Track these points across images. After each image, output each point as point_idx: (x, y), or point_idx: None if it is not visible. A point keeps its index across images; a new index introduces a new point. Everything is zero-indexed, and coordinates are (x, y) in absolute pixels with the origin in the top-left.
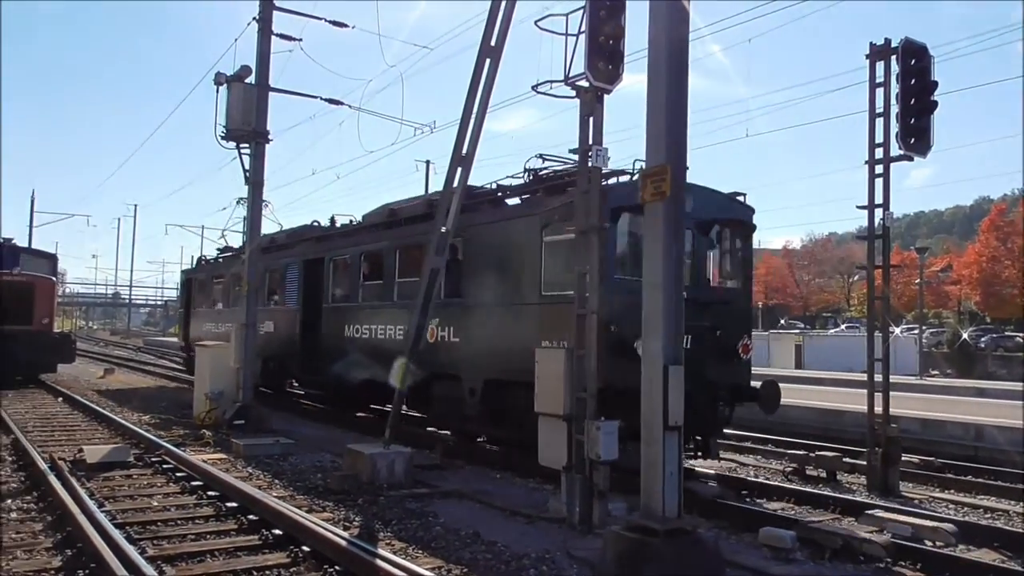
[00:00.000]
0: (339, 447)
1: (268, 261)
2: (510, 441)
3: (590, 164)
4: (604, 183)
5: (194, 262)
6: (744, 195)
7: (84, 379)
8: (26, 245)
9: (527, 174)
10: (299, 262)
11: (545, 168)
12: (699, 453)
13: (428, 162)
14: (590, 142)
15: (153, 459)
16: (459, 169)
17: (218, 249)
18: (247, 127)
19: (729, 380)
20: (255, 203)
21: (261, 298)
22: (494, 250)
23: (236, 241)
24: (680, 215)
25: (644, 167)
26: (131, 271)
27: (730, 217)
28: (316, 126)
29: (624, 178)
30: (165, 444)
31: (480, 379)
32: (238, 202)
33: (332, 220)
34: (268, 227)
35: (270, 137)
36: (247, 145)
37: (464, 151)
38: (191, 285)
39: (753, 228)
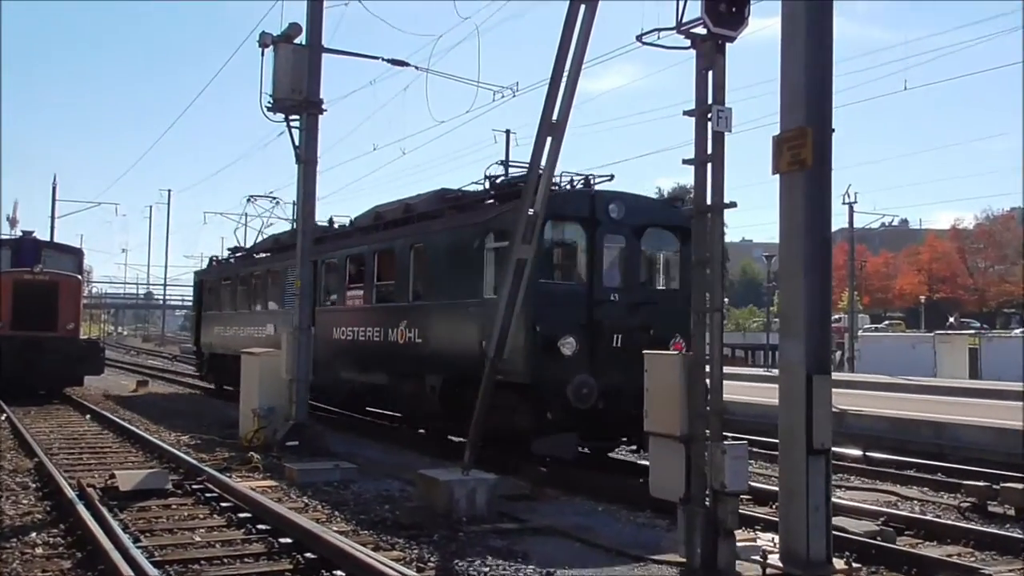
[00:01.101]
0: (409, 473)
1: (271, 263)
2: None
3: (711, 128)
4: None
5: (208, 262)
6: (682, 201)
7: (115, 393)
8: (48, 239)
9: (486, 181)
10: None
11: (499, 176)
12: (634, 447)
13: (509, 132)
14: (709, 101)
15: (194, 486)
16: (549, 139)
17: (229, 249)
18: (297, 96)
19: None
20: (307, 184)
21: (262, 301)
22: (450, 255)
23: (245, 240)
24: (826, 185)
25: (778, 131)
26: (165, 267)
27: (665, 222)
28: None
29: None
30: (208, 469)
31: (440, 377)
32: (248, 200)
33: (330, 221)
34: (282, 226)
35: (324, 107)
36: (297, 117)
37: (555, 116)
38: (203, 287)
39: (689, 232)
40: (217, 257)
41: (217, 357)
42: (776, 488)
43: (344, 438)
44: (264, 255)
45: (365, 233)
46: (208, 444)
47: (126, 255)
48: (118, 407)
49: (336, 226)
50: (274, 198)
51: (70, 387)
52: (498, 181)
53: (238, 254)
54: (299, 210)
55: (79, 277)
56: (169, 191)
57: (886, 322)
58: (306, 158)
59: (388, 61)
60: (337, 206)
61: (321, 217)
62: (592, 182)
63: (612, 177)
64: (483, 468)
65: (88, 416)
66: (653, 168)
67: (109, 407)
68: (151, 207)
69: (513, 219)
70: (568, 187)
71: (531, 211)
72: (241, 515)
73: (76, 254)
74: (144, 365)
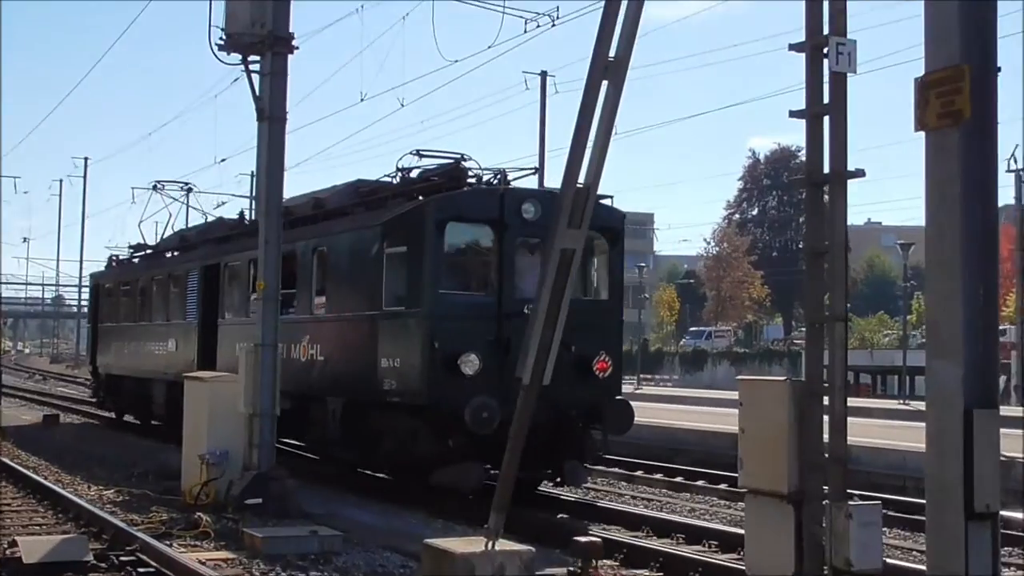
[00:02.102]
0: (411, 541)
1: (173, 266)
2: (370, 466)
3: (828, 67)
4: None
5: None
6: (611, 198)
7: (14, 431)
8: None
9: (398, 174)
10: (199, 268)
11: (417, 167)
12: (557, 479)
13: (544, 74)
14: (824, 31)
15: (123, 558)
16: (605, 84)
17: (131, 246)
18: (259, 30)
19: (582, 400)
20: (272, 148)
21: (162, 312)
22: (348, 261)
23: (150, 239)
24: (990, 146)
25: (923, 72)
26: (80, 263)
27: (592, 224)
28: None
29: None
30: (141, 535)
31: (340, 400)
32: (155, 188)
33: (241, 215)
34: (197, 219)
35: (295, 44)
36: (258, 58)
37: (612, 52)
38: (100, 293)
39: (620, 234)
40: (117, 256)
41: (115, 379)
42: (922, 567)
43: (319, 493)
44: (169, 255)
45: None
46: (141, 501)
47: (28, 246)
48: (19, 450)
49: (247, 221)
50: (186, 185)
51: None
52: (412, 174)
53: (140, 253)
54: (260, 182)
55: None
56: (85, 160)
57: None
58: (271, 113)
59: None
60: (312, 178)
61: (236, 205)
62: (506, 178)
63: (536, 171)
64: (514, 536)
65: None
66: (745, 123)
67: (7, 451)
68: (60, 182)
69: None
70: (476, 183)
71: (579, 184)
72: None
73: None
74: (53, 394)
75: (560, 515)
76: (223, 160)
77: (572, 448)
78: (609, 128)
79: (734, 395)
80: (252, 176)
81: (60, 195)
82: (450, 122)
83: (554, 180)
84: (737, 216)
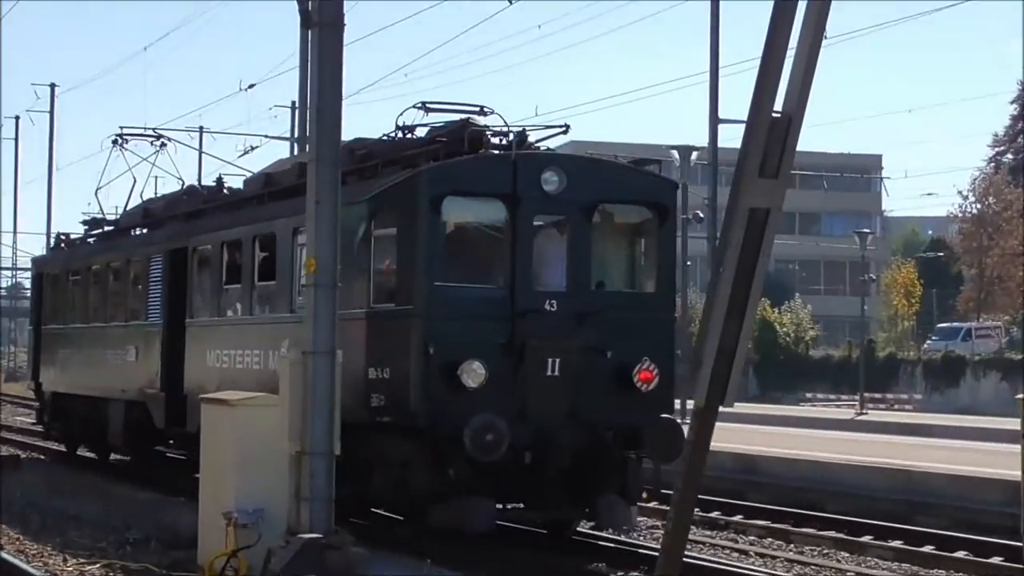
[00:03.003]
0: None
1: (132, 249)
2: (363, 504)
3: None
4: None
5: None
6: (658, 163)
7: None
8: None
9: (398, 132)
10: (163, 252)
11: (425, 125)
12: (592, 521)
13: None
14: None
15: None
16: None
17: (84, 222)
18: None
19: (620, 419)
20: (324, 64)
21: (120, 309)
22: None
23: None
24: None
25: None
26: (48, 234)
27: (631, 196)
28: None
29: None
30: None
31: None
32: (115, 142)
33: (219, 181)
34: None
35: None
36: None
37: None
38: (43, 285)
39: (670, 210)
40: (67, 235)
41: (64, 400)
42: None
43: (392, 561)
44: (133, 234)
45: (248, 206)
46: None
47: None
48: None
49: (226, 191)
50: (159, 137)
51: None
52: (419, 133)
53: (97, 231)
54: (311, 116)
55: None
56: (52, 89)
57: None
58: (322, 17)
59: None
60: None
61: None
62: (524, 138)
63: (566, 129)
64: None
65: None
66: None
67: None
68: (17, 120)
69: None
70: (483, 147)
71: (776, 113)
72: None
73: None
74: (11, 426)
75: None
76: (250, 87)
77: (610, 480)
78: (819, 28)
79: (1010, 423)
80: (294, 108)
81: (16, 139)
82: (574, 26)
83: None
84: (1009, 157)
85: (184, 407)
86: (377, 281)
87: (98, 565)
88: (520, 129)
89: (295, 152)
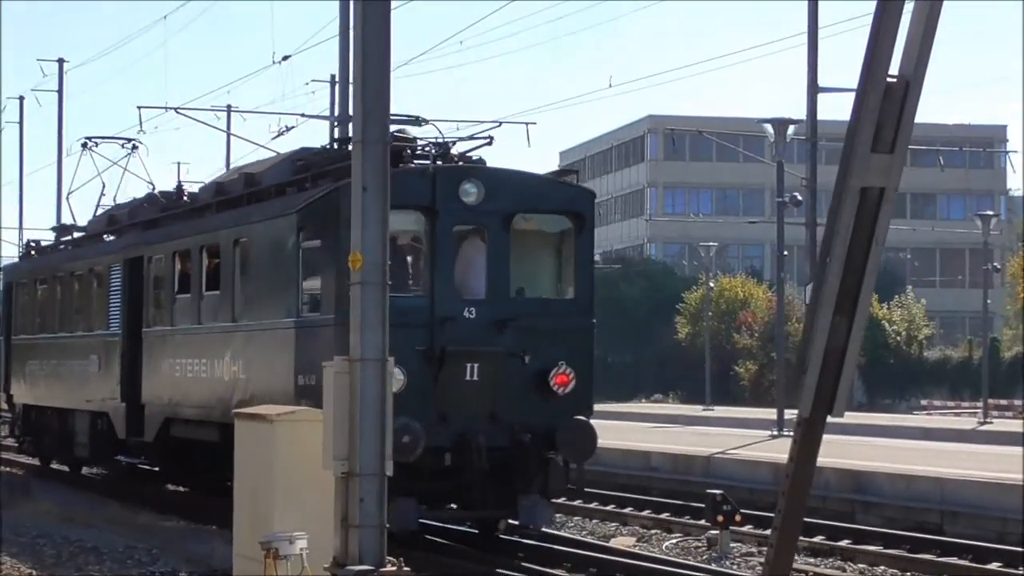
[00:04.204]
0: None
1: (96, 256)
2: None
3: None
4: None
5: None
6: (575, 173)
7: None
8: None
9: (335, 144)
10: (122, 261)
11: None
12: (509, 519)
13: None
14: None
15: None
16: None
17: (54, 228)
18: None
19: (538, 421)
20: (370, 38)
21: (83, 318)
22: (268, 257)
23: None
24: None
25: None
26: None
27: (550, 207)
28: None
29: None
30: None
31: None
32: (84, 146)
33: (178, 188)
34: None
35: None
36: None
37: None
38: (13, 294)
39: (587, 218)
40: (37, 242)
41: (35, 412)
42: None
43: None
44: (103, 241)
45: (198, 216)
46: None
47: None
48: None
49: (186, 197)
50: (129, 142)
51: None
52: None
53: (66, 238)
54: (355, 91)
55: None
56: (60, 64)
57: None
58: None
59: None
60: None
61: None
62: (448, 152)
63: (490, 141)
64: None
65: None
66: None
67: None
68: (21, 101)
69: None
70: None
71: (891, 78)
72: None
73: None
74: (14, 446)
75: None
76: (284, 59)
77: (531, 480)
78: None
79: None
80: (333, 82)
81: (20, 121)
82: None
83: None
84: None
85: (143, 417)
86: (304, 292)
87: None
88: (444, 141)
89: (335, 131)
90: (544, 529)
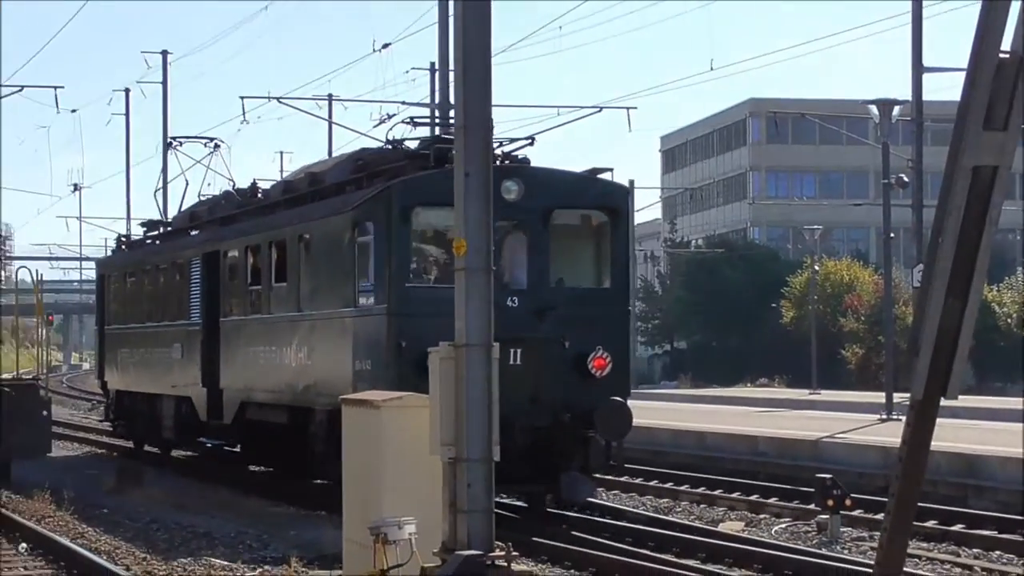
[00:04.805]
0: None
1: (177, 250)
2: None
3: None
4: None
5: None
6: (610, 171)
7: (77, 497)
8: None
9: (388, 145)
10: (200, 255)
11: (415, 139)
12: (549, 496)
13: None
14: None
15: None
16: None
17: (142, 224)
18: None
19: (577, 402)
20: (471, 21)
21: (168, 309)
22: (327, 251)
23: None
24: None
25: None
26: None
27: (587, 203)
28: None
29: None
30: None
31: (325, 410)
32: (169, 145)
33: (253, 186)
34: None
35: None
36: None
37: None
38: (106, 286)
39: (622, 213)
40: (127, 237)
41: (128, 398)
42: None
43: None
44: (189, 235)
45: (268, 213)
46: None
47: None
48: (83, 526)
49: (259, 195)
50: (212, 141)
51: None
52: (404, 143)
53: (153, 232)
54: (457, 78)
55: None
56: (164, 56)
57: None
58: None
59: None
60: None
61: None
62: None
63: (532, 141)
64: None
65: (24, 546)
66: None
67: (69, 527)
68: (127, 92)
69: (375, 206)
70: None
71: (1004, 54)
72: None
73: None
74: (107, 430)
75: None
76: (384, 47)
77: (572, 458)
78: None
79: None
80: (433, 70)
81: (127, 113)
82: None
83: None
84: None
85: (221, 401)
86: (359, 283)
87: None
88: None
89: (436, 118)
90: (651, 514)
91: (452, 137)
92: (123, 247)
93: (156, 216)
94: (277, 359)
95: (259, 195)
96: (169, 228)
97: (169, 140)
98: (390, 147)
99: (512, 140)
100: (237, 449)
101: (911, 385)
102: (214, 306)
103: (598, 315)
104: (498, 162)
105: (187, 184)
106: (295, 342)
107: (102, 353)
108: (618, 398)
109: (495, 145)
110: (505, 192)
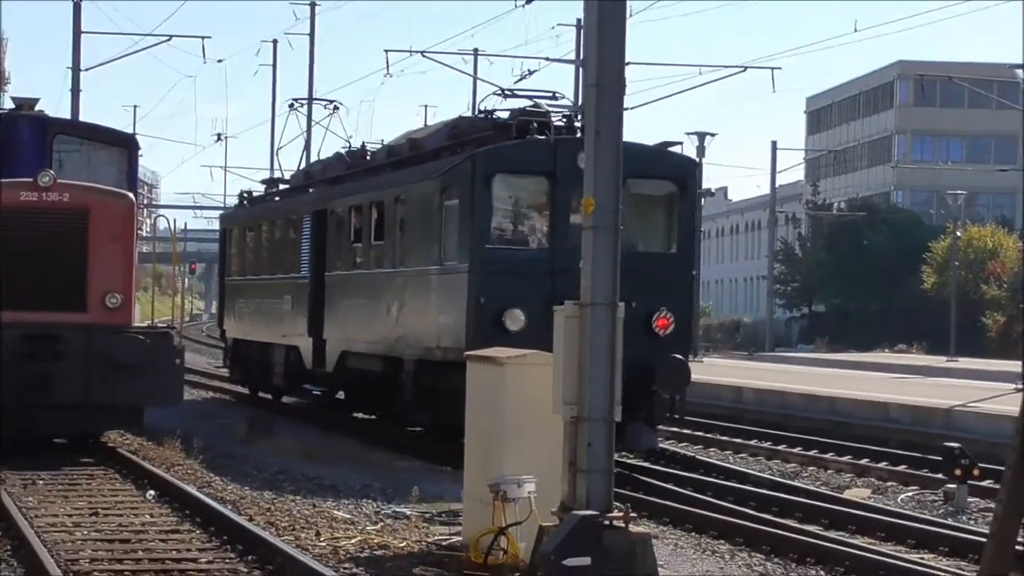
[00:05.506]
0: None
1: (292, 207)
2: (439, 429)
3: None
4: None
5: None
6: (679, 144)
7: (207, 446)
8: (68, 117)
9: (481, 115)
10: (311, 213)
11: (505, 109)
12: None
13: None
14: None
15: None
16: None
17: (263, 181)
18: None
19: (642, 358)
20: None
21: (282, 263)
22: (419, 213)
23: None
24: None
25: None
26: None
27: (657, 172)
28: None
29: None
30: None
31: (413, 361)
32: (291, 107)
33: (362, 147)
34: (332, 146)
35: None
36: None
37: None
38: (228, 239)
39: (689, 184)
40: (249, 192)
41: (244, 346)
42: None
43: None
44: (302, 194)
45: (372, 175)
46: (398, 560)
47: (225, 147)
48: (212, 475)
49: (368, 155)
50: (332, 103)
51: (115, 430)
52: (495, 114)
53: (273, 189)
54: (586, 36)
55: (130, 196)
56: (312, 6)
57: None
58: None
59: None
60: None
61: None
62: (573, 124)
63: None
64: None
65: (151, 493)
66: None
67: (193, 472)
68: (275, 43)
69: (460, 174)
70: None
71: None
72: None
73: (124, 147)
74: (225, 376)
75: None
76: (529, 2)
77: (637, 410)
78: None
79: None
80: (579, 26)
81: (274, 64)
82: None
83: None
84: None
85: (324, 350)
86: (445, 243)
87: (353, 540)
88: (570, 114)
89: (580, 76)
90: (776, 479)
91: (536, 110)
92: (245, 203)
93: (291, 169)
94: (374, 312)
95: (367, 157)
96: (286, 186)
97: (291, 101)
98: (482, 116)
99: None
100: (341, 396)
101: None
102: (321, 261)
103: (663, 278)
104: (577, 134)
105: (306, 144)
106: (389, 297)
107: (222, 303)
108: (678, 355)
109: (575, 117)
110: (582, 162)
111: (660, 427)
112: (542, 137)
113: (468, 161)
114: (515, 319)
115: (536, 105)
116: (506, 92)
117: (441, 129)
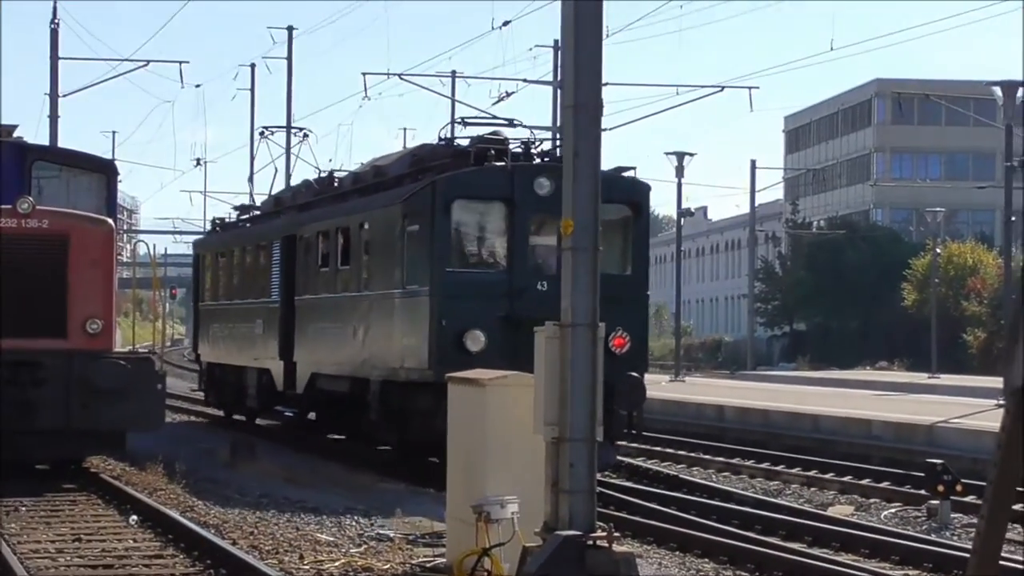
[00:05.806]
0: None
1: (262, 233)
2: (402, 448)
3: None
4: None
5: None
6: (633, 169)
7: (190, 471)
8: (47, 143)
9: (441, 143)
10: (280, 238)
11: (465, 137)
12: None
13: None
14: None
15: None
16: None
17: (235, 207)
18: None
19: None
20: (584, 2)
21: (252, 287)
22: (382, 238)
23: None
24: None
25: None
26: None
27: (613, 198)
28: None
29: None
30: None
31: (378, 381)
32: (261, 134)
33: (330, 174)
34: (303, 172)
35: None
36: None
37: None
38: (201, 265)
39: (643, 207)
40: (221, 219)
41: (218, 369)
42: None
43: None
44: (272, 220)
45: (339, 201)
46: None
47: (204, 172)
48: (194, 499)
49: (336, 183)
50: (302, 131)
51: (97, 455)
52: (455, 141)
53: (245, 216)
54: (564, 58)
55: (109, 222)
56: (289, 32)
57: None
58: None
59: None
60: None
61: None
62: (530, 151)
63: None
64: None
65: (134, 518)
66: None
67: (176, 497)
68: (252, 68)
69: (420, 200)
70: (484, 161)
71: None
72: None
73: (103, 173)
74: (200, 399)
75: None
76: (506, 24)
77: None
78: None
79: None
80: (556, 48)
81: (252, 89)
82: None
83: None
84: None
85: (295, 372)
86: (406, 267)
87: (337, 563)
88: (528, 141)
89: (558, 98)
90: (760, 497)
91: (494, 137)
92: (217, 229)
93: (265, 194)
94: (341, 335)
95: (335, 184)
96: (257, 212)
97: (261, 129)
98: (443, 144)
99: (554, 139)
100: (312, 417)
101: (1010, 372)
102: (291, 286)
103: (620, 298)
104: (534, 160)
105: (276, 171)
106: (355, 320)
107: (197, 328)
108: (634, 374)
109: (534, 144)
110: (538, 188)
111: (636, 446)
112: (500, 164)
113: (428, 188)
114: (475, 340)
115: (495, 132)
116: (466, 120)
117: (403, 156)
